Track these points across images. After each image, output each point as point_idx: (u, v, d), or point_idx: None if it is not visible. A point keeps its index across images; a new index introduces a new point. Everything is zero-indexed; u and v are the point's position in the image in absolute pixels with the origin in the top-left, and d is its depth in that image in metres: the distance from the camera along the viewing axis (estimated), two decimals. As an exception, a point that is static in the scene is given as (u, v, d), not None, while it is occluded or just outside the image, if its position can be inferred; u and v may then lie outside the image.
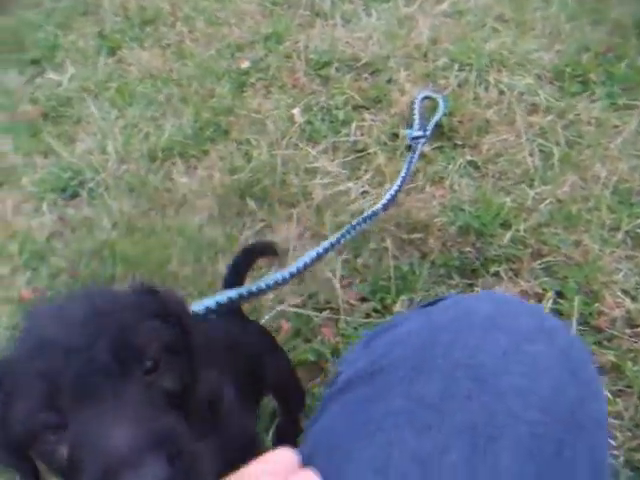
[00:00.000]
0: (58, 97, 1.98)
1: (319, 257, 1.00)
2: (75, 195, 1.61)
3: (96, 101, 1.93)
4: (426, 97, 1.77)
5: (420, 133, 1.60)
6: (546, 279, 1.24)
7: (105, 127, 1.81)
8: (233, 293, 0.78)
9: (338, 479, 0.42)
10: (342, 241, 1.07)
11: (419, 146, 1.54)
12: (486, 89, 1.84)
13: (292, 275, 0.90)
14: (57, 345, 0.46)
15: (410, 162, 1.46)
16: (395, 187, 1.29)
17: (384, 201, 1.23)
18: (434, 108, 1.71)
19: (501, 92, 1.82)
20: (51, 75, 2.12)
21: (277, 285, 0.86)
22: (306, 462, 0.43)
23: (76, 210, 1.57)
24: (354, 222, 1.14)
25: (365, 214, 1.17)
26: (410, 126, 1.68)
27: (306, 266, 0.98)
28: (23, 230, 1.51)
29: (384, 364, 0.47)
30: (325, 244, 1.05)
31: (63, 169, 1.68)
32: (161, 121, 1.83)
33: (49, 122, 1.88)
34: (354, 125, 1.74)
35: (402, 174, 1.37)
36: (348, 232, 1.10)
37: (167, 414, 0.49)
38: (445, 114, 1.70)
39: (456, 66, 1.94)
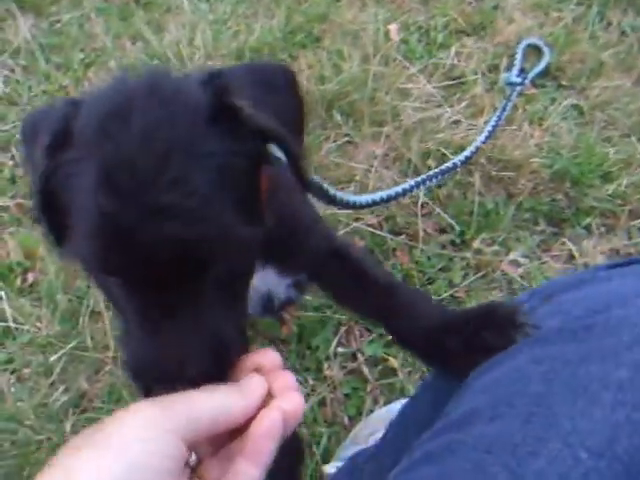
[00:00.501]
0: (150, -17, 1.92)
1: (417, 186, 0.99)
2: (161, 84, 1.60)
3: (188, -9, 1.86)
4: (530, 45, 1.62)
5: (518, 80, 1.48)
6: (642, 239, 1.16)
7: (195, 20, 1.76)
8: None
9: (534, 446, 0.36)
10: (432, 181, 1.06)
11: (514, 94, 1.43)
12: (606, 28, 1.67)
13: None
14: (119, 161, 0.42)
15: (503, 109, 1.36)
16: (482, 138, 1.22)
17: (467, 152, 1.17)
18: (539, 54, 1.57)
19: (623, 33, 1.64)
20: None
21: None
22: (486, 412, 0.40)
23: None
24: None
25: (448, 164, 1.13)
26: (509, 69, 1.55)
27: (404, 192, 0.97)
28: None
29: (592, 323, 0.41)
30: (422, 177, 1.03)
31: (150, 57, 1.65)
32: (251, 20, 1.76)
33: (140, 8, 1.84)
34: (453, 50, 1.63)
35: (492, 122, 1.29)
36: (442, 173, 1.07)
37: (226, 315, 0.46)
38: (548, 66, 1.56)
39: (575, -2, 1.76)
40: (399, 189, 0.96)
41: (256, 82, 0.50)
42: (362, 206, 0.87)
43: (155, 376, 0.43)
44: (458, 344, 0.54)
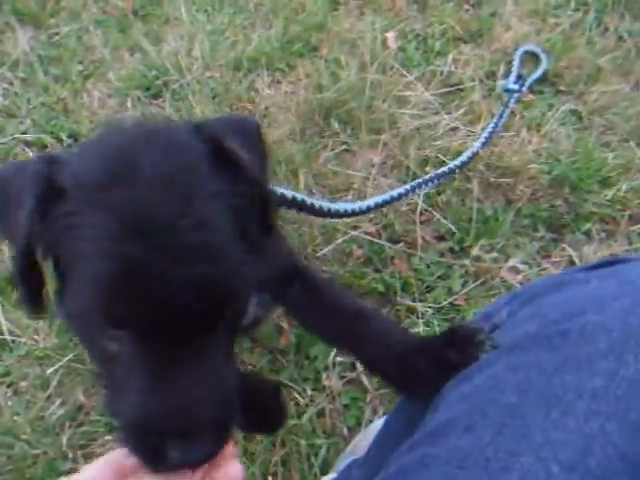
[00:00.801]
0: (149, -6, 1.94)
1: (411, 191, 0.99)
2: (158, 95, 1.60)
3: (186, 3, 1.87)
4: (528, 52, 1.62)
5: (515, 87, 1.48)
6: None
7: (193, 30, 1.77)
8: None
9: (506, 461, 0.36)
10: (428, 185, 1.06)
11: (512, 100, 1.44)
12: (603, 34, 1.67)
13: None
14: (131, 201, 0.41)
15: (501, 116, 1.37)
16: (478, 144, 1.22)
17: (464, 158, 1.17)
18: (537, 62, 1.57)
19: (620, 38, 1.64)
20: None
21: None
22: (461, 422, 0.39)
23: (158, 109, 1.56)
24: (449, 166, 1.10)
25: (448, 166, 1.12)
26: (507, 76, 1.55)
27: (398, 197, 0.96)
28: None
29: (567, 328, 0.41)
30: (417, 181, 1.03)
31: (149, 67, 1.66)
32: (249, 30, 1.77)
33: (138, 19, 1.85)
34: (450, 57, 1.63)
35: (489, 128, 1.29)
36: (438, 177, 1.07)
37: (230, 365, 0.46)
38: (546, 72, 1.56)
39: (572, 4, 1.76)
40: (394, 193, 0.95)
41: (237, 132, 0.52)
42: (355, 213, 0.87)
43: (168, 425, 0.41)
44: (425, 364, 0.55)
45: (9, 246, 0.47)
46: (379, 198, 0.95)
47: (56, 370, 1.03)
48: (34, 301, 0.48)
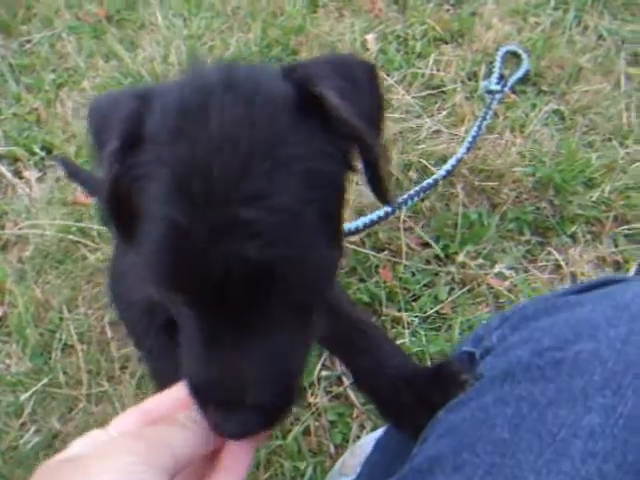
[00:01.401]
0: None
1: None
2: (135, 103, 1.56)
3: (162, 7, 1.83)
4: (509, 52, 1.60)
5: (497, 88, 1.47)
6: (629, 247, 1.14)
7: (169, 36, 1.73)
8: None
9: None
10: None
11: (494, 102, 1.42)
12: (583, 32, 1.66)
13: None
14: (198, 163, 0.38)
15: (483, 119, 1.35)
16: (463, 149, 1.20)
17: (448, 166, 1.15)
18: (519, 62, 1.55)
19: (600, 37, 1.63)
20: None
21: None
22: (449, 459, 0.37)
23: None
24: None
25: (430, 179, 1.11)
26: (488, 76, 1.54)
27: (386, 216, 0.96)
28: (82, 133, 1.48)
29: (561, 357, 0.39)
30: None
31: (124, 75, 1.62)
32: (227, 34, 1.73)
33: (113, 25, 1.81)
34: (432, 58, 1.61)
35: (473, 132, 1.27)
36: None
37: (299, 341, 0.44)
38: (528, 72, 1.54)
39: (552, 3, 1.75)
40: (381, 213, 0.94)
41: (338, 74, 0.45)
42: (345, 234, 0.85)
43: (214, 397, 0.40)
44: (409, 400, 0.53)
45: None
46: (367, 218, 0.96)
47: (30, 396, 0.99)
48: (125, 232, 0.45)
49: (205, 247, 0.37)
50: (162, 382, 0.81)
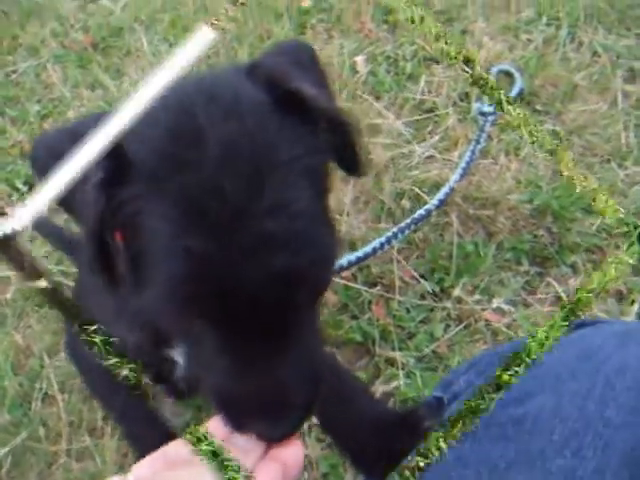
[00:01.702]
0: (109, 26, 1.87)
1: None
2: (120, 134, 1.53)
3: (147, 33, 1.81)
4: (502, 71, 1.57)
5: (490, 109, 1.42)
6: (633, 278, 1.10)
7: (155, 62, 1.70)
8: None
9: None
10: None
11: (487, 125, 1.38)
12: (577, 49, 1.63)
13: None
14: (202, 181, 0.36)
15: (477, 142, 1.30)
16: (456, 176, 1.16)
17: (441, 195, 1.11)
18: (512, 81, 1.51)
19: (595, 53, 1.60)
20: (105, 1, 2.00)
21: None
22: None
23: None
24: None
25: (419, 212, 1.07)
26: (481, 97, 1.50)
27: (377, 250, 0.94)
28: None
29: (522, 414, 0.37)
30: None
31: (109, 103, 1.59)
32: (213, 59, 1.70)
33: (99, 53, 1.78)
34: (423, 80, 1.57)
35: (466, 157, 1.23)
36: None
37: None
38: (521, 91, 1.51)
39: (544, 19, 1.72)
40: (369, 249, 0.91)
41: (294, 65, 0.45)
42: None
43: (257, 407, 0.39)
44: (375, 447, 0.52)
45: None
46: (360, 252, 0.93)
47: (8, 451, 0.95)
48: (112, 282, 0.43)
49: (235, 267, 0.36)
50: (141, 447, 0.77)
